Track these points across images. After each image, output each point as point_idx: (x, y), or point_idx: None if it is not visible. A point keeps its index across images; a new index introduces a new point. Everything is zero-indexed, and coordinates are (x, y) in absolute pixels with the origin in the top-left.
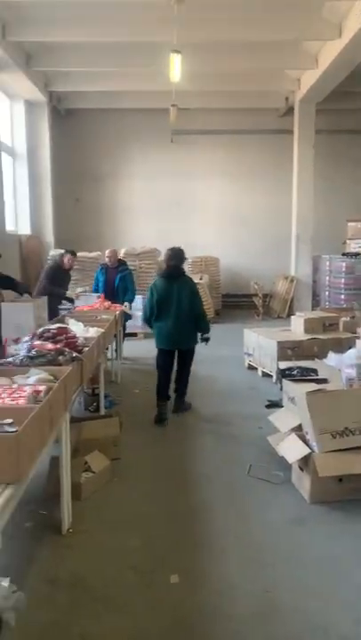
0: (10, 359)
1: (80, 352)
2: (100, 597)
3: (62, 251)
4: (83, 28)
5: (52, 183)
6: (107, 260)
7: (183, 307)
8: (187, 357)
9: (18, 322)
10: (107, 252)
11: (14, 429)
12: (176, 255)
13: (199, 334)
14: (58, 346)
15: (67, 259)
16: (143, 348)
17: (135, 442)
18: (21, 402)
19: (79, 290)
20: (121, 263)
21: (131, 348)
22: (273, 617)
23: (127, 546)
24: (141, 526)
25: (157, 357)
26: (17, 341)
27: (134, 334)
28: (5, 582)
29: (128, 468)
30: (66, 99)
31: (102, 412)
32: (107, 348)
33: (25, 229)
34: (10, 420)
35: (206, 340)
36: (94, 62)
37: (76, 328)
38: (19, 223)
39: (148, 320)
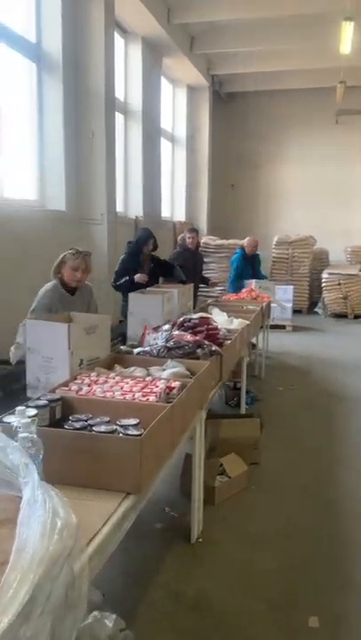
0: (147, 348)
1: (221, 345)
2: (227, 628)
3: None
4: (249, 4)
5: (208, 169)
6: (248, 249)
7: None
8: None
9: (145, 316)
10: (249, 240)
11: (139, 432)
12: None
13: None
14: (197, 337)
15: (187, 238)
16: (290, 342)
17: (277, 446)
18: (152, 399)
19: None
20: None
21: (277, 341)
22: None
23: (261, 569)
24: (278, 547)
25: None
26: (157, 330)
27: (282, 326)
28: (111, 621)
29: (267, 476)
30: (227, 82)
31: (243, 408)
32: (253, 342)
33: (180, 216)
34: (135, 421)
35: None
36: (258, 41)
37: (220, 318)
38: (174, 209)
39: None
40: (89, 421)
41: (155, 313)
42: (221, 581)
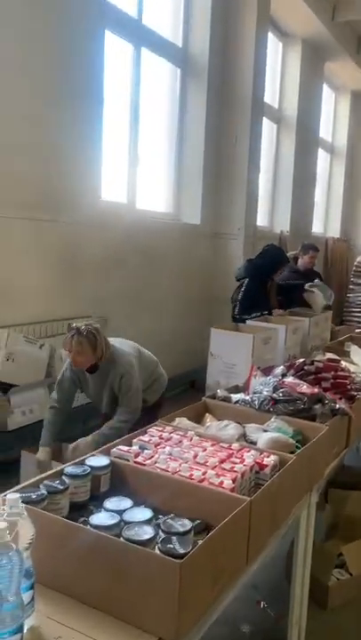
0: (249, 397)
1: (352, 399)
2: None
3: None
4: None
5: None
6: None
7: None
8: None
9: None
10: None
11: (185, 549)
12: None
13: None
14: (316, 390)
15: (306, 257)
16: None
17: None
18: (227, 483)
19: None
20: None
21: None
22: None
23: None
24: None
25: None
26: (267, 372)
27: None
28: None
29: None
30: None
31: None
32: None
33: (334, 231)
34: (188, 525)
35: None
36: None
37: (359, 359)
38: (328, 224)
39: None
40: (125, 515)
41: (241, 355)
42: None
